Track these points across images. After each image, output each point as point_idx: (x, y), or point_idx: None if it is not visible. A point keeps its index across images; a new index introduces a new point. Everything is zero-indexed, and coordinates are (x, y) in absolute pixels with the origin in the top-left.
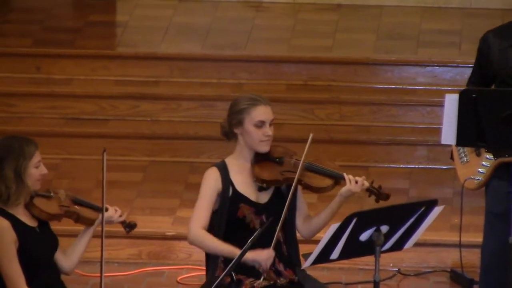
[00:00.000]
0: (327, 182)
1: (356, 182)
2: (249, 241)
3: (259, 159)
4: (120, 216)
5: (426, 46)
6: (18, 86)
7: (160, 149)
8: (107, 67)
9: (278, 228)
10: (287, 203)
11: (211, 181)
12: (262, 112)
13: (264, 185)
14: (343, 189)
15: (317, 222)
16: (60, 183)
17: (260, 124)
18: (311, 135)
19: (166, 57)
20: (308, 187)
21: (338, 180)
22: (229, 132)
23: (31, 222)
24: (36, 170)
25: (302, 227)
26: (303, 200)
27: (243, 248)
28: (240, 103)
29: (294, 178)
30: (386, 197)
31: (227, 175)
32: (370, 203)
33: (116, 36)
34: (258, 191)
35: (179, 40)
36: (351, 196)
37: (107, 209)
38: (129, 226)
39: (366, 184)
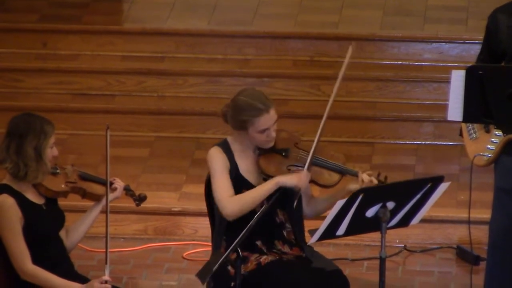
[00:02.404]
0: (334, 178)
1: (365, 180)
2: (255, 216)
3: (265, 150)
4: (123, 185)
5: (433, 22)
6: (25, 62)
7: (166, 124)
8: (113, 42)
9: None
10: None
11: (221, 160)
12: (265, 121)
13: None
14: (353, 187)
15: (321, 205)
16: (67, 159)
17: (264, 131)
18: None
19: (173, 33)
20: (314, 183)
21: (345, 174)
22: (232, 128)
23: (37, 199)
24: (50, 150)
25: (306, 207)
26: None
27: (249, 224)
28: (242, 113)
29: None
30: None
31: (232, 157)
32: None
33: (123, 12)
34: (263, 180)
35: (185, 15)
36: None
37: (113, 185)
38: (139, 199)
39: (375, 181)
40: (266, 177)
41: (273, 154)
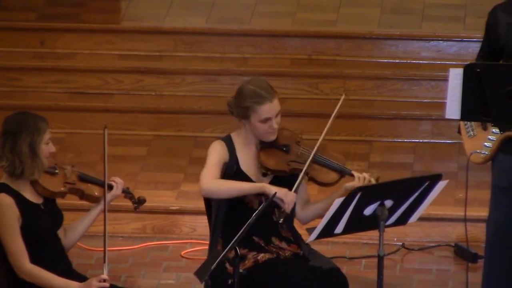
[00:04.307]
0: (333, 176)
1: (364, 178)
2: (254, 214)
3: (266, 145)
4: (123, 186)
5: (431, 20)
6: (23, 60)
7: (164, 123)
8: (111, 41)
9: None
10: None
11: (219, 151)
12: (268, 110)
13: (269, 173)
14: (349, 185)
15: (315, 210)
16: (65, 157)
17: (266, 120)
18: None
19: (171, 31)
20: (313, 180)
21: (344, 175)
22: (236, 117)
23: (36, 199)
24: (46, 147)
25: (300, 213)
26: (305, 185)
27: (248, 221)
28: (246, 100)
29: (300, 169)
30: None
31: (234, 151)
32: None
33: (121, 10)
34: (262, 176)
35: (183, 14)
36: None
37: (112, 187)
38: (138, 202)
39: (373, 181)
40: (265, 171)
41: (274, 149)
